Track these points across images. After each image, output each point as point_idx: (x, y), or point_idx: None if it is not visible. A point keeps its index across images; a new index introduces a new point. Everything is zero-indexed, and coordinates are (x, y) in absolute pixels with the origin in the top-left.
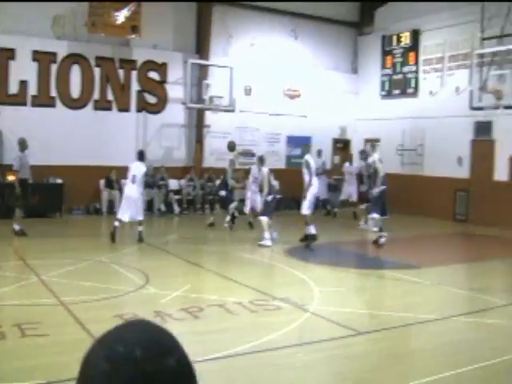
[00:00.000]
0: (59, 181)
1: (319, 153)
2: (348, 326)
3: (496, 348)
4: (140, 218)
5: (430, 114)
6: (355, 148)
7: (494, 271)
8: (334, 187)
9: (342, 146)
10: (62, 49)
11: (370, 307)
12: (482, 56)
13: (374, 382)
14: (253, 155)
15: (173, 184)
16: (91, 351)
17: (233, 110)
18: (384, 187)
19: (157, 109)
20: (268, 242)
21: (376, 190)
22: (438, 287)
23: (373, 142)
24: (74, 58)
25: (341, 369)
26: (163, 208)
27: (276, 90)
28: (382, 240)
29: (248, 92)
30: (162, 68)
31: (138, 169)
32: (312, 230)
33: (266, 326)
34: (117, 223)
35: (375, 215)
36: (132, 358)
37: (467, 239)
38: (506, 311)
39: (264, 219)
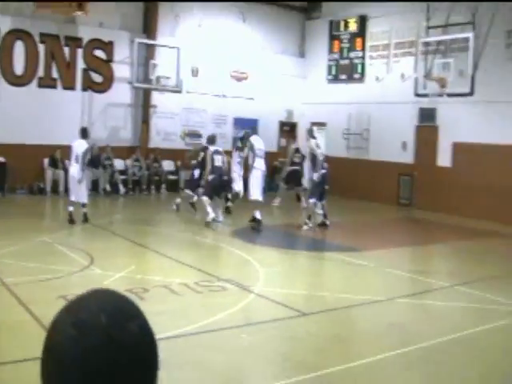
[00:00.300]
0: (1, 159)
1: None
2: (292, 307)
3: (436, 328)
4: (84, 200)
5: (376, 100)
6: (302, 131)
7: (436, 255)
8: (280, 170)
9: (288, 128)
10: (4, 24)
11: (314, 289)
12: (427, 44)
13: (316, 363)
14: (199, 136)
15: (118, 164)
16: (58, 318)
17: (180, 91)
18: (324, 171)
19: (103, 88)
20: (211, 215)
21: (316, 175)
22: (380, 270)
23: (309, 128)
24: (18, 33)
25: (284, 350)
26: (108, 188)
27: (223, 72)
28: (305, 227)
29: (195, 73)
30: (108, 47)
31: (80, 147)
32: (257, 214)
33: (211, 307)
34: (71, 208)
35: (313, 200)
36: (97, 324)
37: (410, 223)
38: (447, 293)
39: (204, 198)
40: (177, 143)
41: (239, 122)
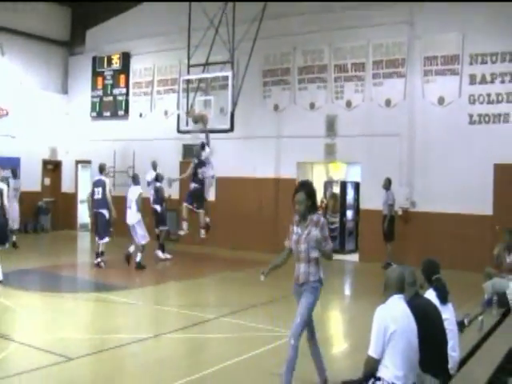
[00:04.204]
0: None
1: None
2: (58, 352)
3: (205, 360)
4: None
5: (140, 137)
6: (66, 169)
7: (203, 287)
8: (45, 210)
9: (52, 167)
10: None
11: (81, 332)
12: (189, 82)
13: None
14: None
15: None
16: None
17: None
18: (95, 210)
19: None
20: None
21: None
22: (149, 306)
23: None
24: None
25: None
26: None
27: None
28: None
29: None
30: None
31: None
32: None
33: None
34: None
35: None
36: None
37: (181, 258)
38: (215, 324)
39: None
40: None
41: (1, 161)
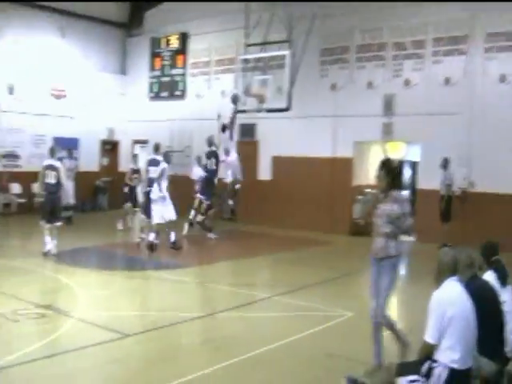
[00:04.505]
0: None
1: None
2: (114, 329)
3: (259, 338)
4: None
5: (197, 116)
6: (124, 149)
7: (258, 267)
8: (103, 189)
9: (110, 147)
10: None
11: (137, 309)
12: (246, 61)
13: None
14: (16, 157)
15: None
16: None
17: None
18: (149, 189)
19: None
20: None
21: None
22: (203, 285)
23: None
24: None
25: (108, 373)
26: None
27: (42, 90)
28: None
29: (11, 91)
30: None
31: None
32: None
33: (29, 336)
34: None
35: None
36: None
37: (233, 237)
38: (269, 303)
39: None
40: None
41: (59, 142)
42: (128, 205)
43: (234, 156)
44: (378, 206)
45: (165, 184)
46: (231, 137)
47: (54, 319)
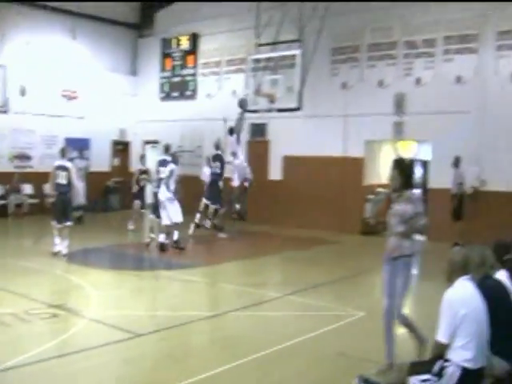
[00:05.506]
0: None
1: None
2: (126, 328)
3: (270, 338)
4: None
5: (208, 116)
6: (135, 150)
7: (268, 266)
8: (114, 190)
9: (121, 148)
10: None
11: (149, 309)
12: (257, 61)
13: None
14: (28, 158)
15: None
16: None
17: (6, 112)
18: (158, 189)
19: None
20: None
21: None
22: (214, 284)
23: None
24: None
25: (120, 373)
26: None
27: (53, 91)
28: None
29: (23, 92)
30: None
31: None
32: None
33: (42, 336)
34: None
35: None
36: None
37: (245, 237)
38: (279, 303)
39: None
40: (4, 166)
41: (71, 142)
42: (137, 203)
43: (241, 158)
44: (392, 206)
45: (173, 185)
46: (238, 140)
47: (66, 319)
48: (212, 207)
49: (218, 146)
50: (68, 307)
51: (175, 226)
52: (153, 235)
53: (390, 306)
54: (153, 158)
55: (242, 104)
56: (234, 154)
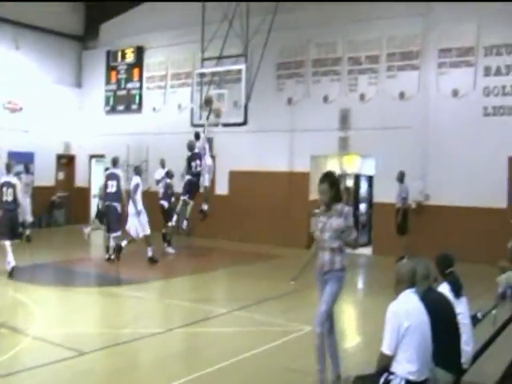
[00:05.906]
0: None
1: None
2: (71, 347)
3: (216, 354)
4: None
5: (154, 130)
6: (80, 164)
7: (215, 281)
8: (59, 204)
9: (66, 161)
10: None
11: (94, 326)
12: (202, 75)
13: None
14: None
15: None
16: None
17: None
18: (107, 203)
19: None
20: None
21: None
22: (160, 301)
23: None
24: None
25: None
26: None
27: None
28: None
29: None
30: None
31: None
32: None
33: None
34: None
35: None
36: None
37: (190, 252)
38: (226, 318)
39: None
40: None
41: (15, 156)
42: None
43: (209, 161)
44: (322, 220)
45: (139, 199)
46: (207, 141)
47: (9, 337)
48: (182, 198)
49: (192, 147)
50: (11, 325)
51: (146, 238)
52: (110, 252)
53: (318, 314)
54: (97, 172)
55: (208, 102)
56: (205, 155)
